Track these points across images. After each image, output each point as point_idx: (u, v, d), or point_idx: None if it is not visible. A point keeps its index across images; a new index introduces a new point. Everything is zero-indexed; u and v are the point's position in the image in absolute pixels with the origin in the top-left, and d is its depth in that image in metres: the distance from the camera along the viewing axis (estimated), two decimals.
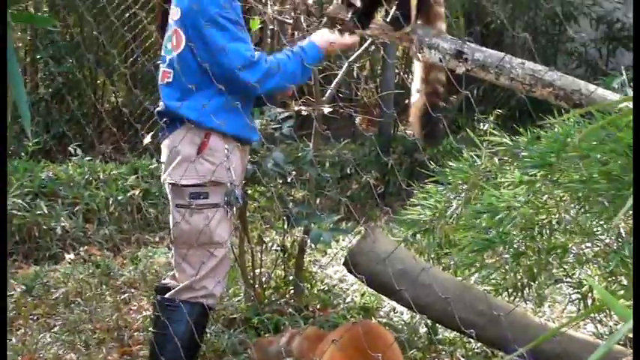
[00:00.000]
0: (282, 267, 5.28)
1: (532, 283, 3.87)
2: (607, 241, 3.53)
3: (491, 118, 6.83)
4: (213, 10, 3.69)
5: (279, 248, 5.28)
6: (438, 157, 7.00)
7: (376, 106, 9.60)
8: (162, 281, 4.18)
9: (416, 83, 4.04)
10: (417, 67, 4.04)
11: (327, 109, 5.01)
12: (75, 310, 5.19)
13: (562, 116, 3.44)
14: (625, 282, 3.48)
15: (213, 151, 3.76)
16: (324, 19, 4.83)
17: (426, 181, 4.41)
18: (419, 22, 3.78)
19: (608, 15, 9.86)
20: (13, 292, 5.38)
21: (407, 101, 5.47)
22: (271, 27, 8.06)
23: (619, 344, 3.21)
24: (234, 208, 3.89)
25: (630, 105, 3.14)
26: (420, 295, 3.67)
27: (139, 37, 8.72)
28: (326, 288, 5.46)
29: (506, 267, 3.80)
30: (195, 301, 3.84)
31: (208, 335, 4.45)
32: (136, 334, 4.89)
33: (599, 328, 4.13)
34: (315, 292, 5.34)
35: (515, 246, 3.70)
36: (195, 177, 3.75)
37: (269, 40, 9.81)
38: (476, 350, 4.46)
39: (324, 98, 5.09)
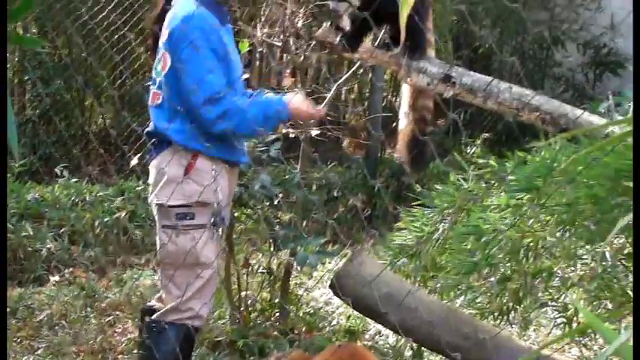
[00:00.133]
0: (268, 289, 5.26)
1: (517, 307, 3.86)
2: (592, 264, 3.53)
3: (479, 142, 6.85)
4: (195, 35, 3.68)
5: (265, 271, 5.27)
6: (424, 180, 7.01)
7: (364, 129, 9.62)
8: (148, 303, 4.16)
9: (404, 108, 4.05)
10: (405, 92, 4.06)
11: (314, 132, 5.02)
12: (59, 333, 5.16)
13: (548, 140, 3.45)
14: (610, 306, 3.48)
15: (200, 172, 3.76)
16: (313, 42, 4.85)
17: (413, 204, 4.41)
18: (407, 44, 3.79)
19: (595, 40, 9.93)
20: None
21: (394, 124, 5.49)
22: (260, 49, 8.10)
23: None
24: (221, 230, 3.88)
25: (616, 130, 3.16)
26: (405, 319, 3.66)
27: (128, 59, 8.71)
28: (312, 311, 5.45)
29: (492, 290, 3.80)
30: (181, 322, 3.82)
31: (193, 358, 4.43)
32: (120, 356, 4.86)
33: (583, 352, 4.13)
34: (301, 314, 5.32)
35: (501, 269, 3.70)
36: (182, 198, 3.74)
37: (257, 62, 9.84)
38: None
39: (311, 121, 5.09)
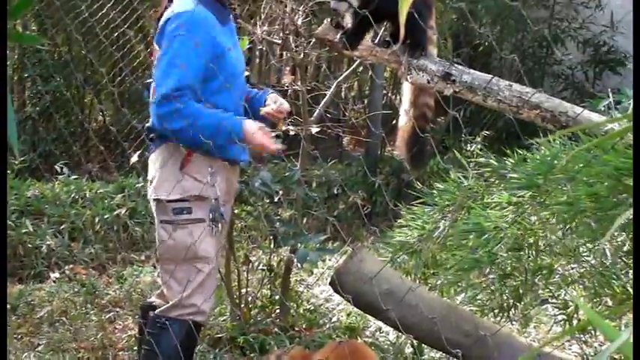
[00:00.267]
0: (269, 286, 5.26)
1: (518, 304, 3.87)
2: (592, 262, 3.54)
3: (479, 140, 6.85)
4: (178, 31, 3.67)
5: (265, 268, 5.27)
6: (424, 177, 7.01)
7: (364, 127, 9.63)
8: (148, 300, 4.16)
9: (405, 105, 4.05)
10: (406, 90, 4.06)
11: (314, 130, 5.02)
12: (59, 330, 5.16)
13: (548, 137, 3.46)
14: (610, 303, 3.49)
15: (196, 166, 3.75)
16: (313, 40, 4.85)
17: (413, 202, 4.42)
18: (408, 43, 3.79)
19: (595, 38, 9.94)
20: None
21: (394, 122, 5.49)
22: (260, 47, 8.10)
23: None
24: (220, 225, 3.86)
25: (615, 127, 3.16)
26: (406, 315, 3.67)
27: (127, 57, 8.71)
28: (312, 308, 5.45)
29: (492, 287, 3.81)
30: (183, 318, 3.82)
31: (194, 355, 4.43)
32: (120, 353, 4.86)
33: (584, 349, 4.14)
34: (301, 311, 5.33)
35: (501, 266, 3.71)
36: (178, 192, 3.74)
37: (257, 60, 9.84)
38: None
39: (312, 118, 5.10)
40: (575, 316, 3.78)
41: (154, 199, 3.84)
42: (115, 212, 6.94)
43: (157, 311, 3.88)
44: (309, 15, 5.20)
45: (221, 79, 3.72)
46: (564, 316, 3.90)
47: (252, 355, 4.71)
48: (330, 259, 6.10)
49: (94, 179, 7.78)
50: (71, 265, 6.38)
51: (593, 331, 3.89)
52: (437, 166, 7.06)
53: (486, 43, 9.66)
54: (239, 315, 4.95)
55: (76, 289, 5.79)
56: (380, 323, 4.78)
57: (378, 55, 3.91)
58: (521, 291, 3.74)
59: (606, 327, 1.38)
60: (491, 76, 3.66)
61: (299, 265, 4.84)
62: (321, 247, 4.74)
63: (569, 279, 3.67)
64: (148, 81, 4.05)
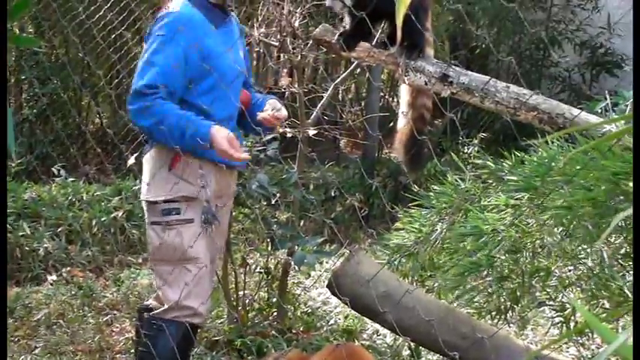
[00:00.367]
0: (266, 289, 5.26)
1: (515, 306, 3.87)
2: (590, 264, 3.54)
3: (476, 142, 6.86)
4: (161, 31, 3.69)
5: (262, 270, 5.27)
6: (422, 180, 7.01)
7: (361, 129, 9.63)
8: (145, 302, 4.15)
9: (402, 107, 4.05)
10: (404, 92, 4.06)
11: (312, 132, 5.02)
12: (57, 332, 5.16)
13: (545, 138, 3.45)
14: (607, 305, 3.48)
15: (184, 167, 3.74)
16: (310, 42, 4.85)
17: (410, 205, 4.42)
18: (405, 44, 3.79)
19: (592, 40, 9.95)
20: None
21: (392, 124, 5.48)
22: (257, 49, 8.10)
23: None
24: (213, 227, 3.84)
25: (613, 128, 3.16)
26: (403, 318, 3.66)
27: (125, 59, 8.70)
28: (309, 310, 5.45)
29: (490, 290, 3.80)
30: (180, 320, 3.81)
31: (191, 357, 4.43)
32: (118, 356, 4.86)
33: (581, 351, 4.14)
34: (299, 314, 5.33)
35: (498, 269, 3.70)
36: (167, 193, 3.73)
37: (255, 62, 9.83)
38: None
39: (309, 121, 5.10)
40: (573, 318, 3.78)
41: (145, 201, 3.84)
42: (112, 215, 6.94)
43: (152, 313, 3.87)
44: (306, 17, 5.20)
45: (209, 81, 3.72)
46: (562, 319, 3.89)
47: (249, 357, 4.71)
48: (327, 262, 6.09)
49: (91, 182, 7.78)
50: (68, 268, 6.38)
51: (590, 334, 3.89)
52: (434, 168, 7.06)
53: (483, 46, 9.67)
54: (236, 317, 4.94)
55: (73, 292, 5.79)
56: (377, 326, 4.77)
57: (375, 57, 3.90)
58: (518, 293, 3.73)
59: (604, 329, 1.38)
60: (489, 77, 3.65)
61: (296, 267, 4.84)
62: (318, 250, 4.74)
63: (567, 281, 3.66)
64: None
